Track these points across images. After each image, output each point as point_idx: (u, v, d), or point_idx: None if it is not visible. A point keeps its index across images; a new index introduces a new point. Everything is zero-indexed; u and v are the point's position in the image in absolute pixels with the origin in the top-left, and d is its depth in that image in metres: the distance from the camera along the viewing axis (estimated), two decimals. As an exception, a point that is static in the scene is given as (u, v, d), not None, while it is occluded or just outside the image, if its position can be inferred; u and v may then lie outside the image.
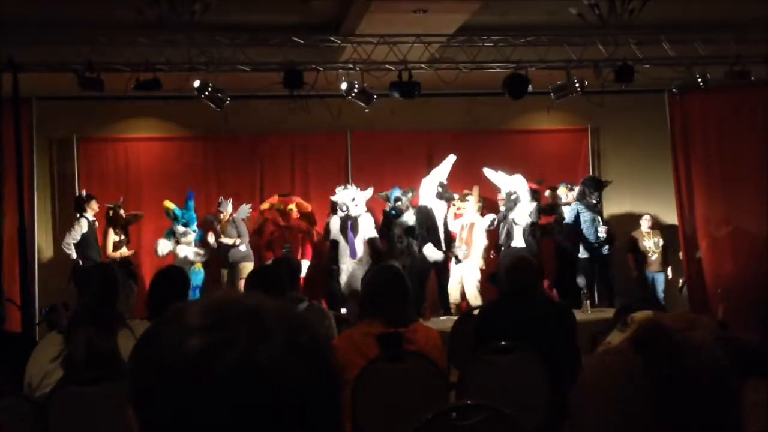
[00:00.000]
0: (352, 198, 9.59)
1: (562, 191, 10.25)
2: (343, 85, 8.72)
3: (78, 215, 9.30)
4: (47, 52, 7.86)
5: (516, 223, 9.35)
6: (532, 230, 9.36)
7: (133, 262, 9.68)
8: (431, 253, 9.29)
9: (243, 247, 9.55)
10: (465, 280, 9.50)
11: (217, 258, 9.65)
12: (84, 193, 9.53)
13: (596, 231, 9.54)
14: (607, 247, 9.64)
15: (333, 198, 9.74)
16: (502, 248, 9.41)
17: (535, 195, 9.67)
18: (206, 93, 8.48)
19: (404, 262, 8.81)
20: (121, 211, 9.57)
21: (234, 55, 8.29)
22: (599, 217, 9.72)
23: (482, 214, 9.79)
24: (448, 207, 9.75)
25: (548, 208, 10.11)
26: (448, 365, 4.85)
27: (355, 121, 9.90)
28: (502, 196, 9.73)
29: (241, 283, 8.37)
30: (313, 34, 8.46)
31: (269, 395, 0.85)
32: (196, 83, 8.39)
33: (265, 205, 10.02)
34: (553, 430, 4.03)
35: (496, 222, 9.62)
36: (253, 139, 10.62)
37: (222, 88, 8.57)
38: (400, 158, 10.61)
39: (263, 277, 4.61)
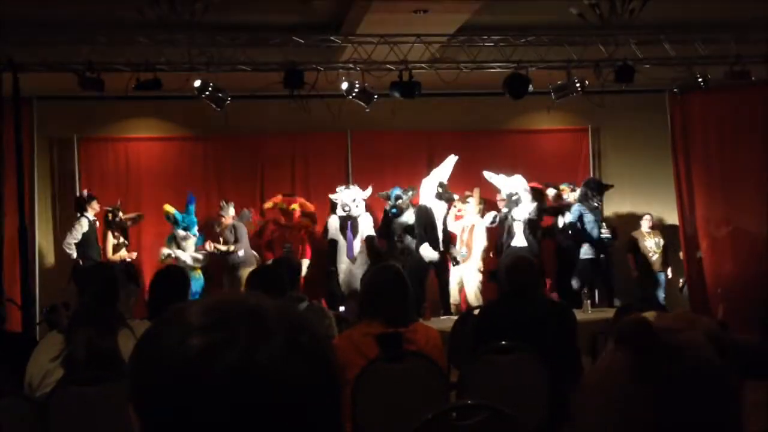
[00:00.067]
0: (353, 198, 9.59)
1: (563, 191, 10.26)
2: (344, 85, 8.72)
3: (78, 215, 9.29)
4: (47, 52, 7.87)
5: (515, 219, 9.35)
6: (533, 229, 9.37)
7: (135, 264, 9.66)
8: (427, 252, 9.27)
9: (241, 253, 9.47)
10: (465, 281, 9.50)
11: (219, 263, 9.63)
12: (86, 193, 9.52)
13: (599, 232, 9.57)
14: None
15: (332, 196, 9.73)
16: (504, 246, 9.42)
17: (537, 195, 9.67)
18: (207, 93, 8.48)
19: (403, 262, 8.79)
20: (120, 214, 9.56)
21: (234, 55, 8.29)
22: (601, 219, 9.76)
23: (482, 216, 9.80)
24: (449, 208, 9.73)
25: (552, 210, 10.11)
26: (448, 365, 4.84)
27: (355, 121, 9.89)
28: (502, 196, 9.73)
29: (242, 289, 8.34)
30: (314, 34, 8.46)
31: (269, 395, 0.85)
32: (197, 83, 8.39)
33: (268, 204, 10.02)
34: (553, 430, 4.03)
35: (497, 220, 9.62)
36: (253, 139, 10.61)
37: (222, 88, 8.57)
38: (400, 158, 10.61)
39: (263, 277, 4.61)
